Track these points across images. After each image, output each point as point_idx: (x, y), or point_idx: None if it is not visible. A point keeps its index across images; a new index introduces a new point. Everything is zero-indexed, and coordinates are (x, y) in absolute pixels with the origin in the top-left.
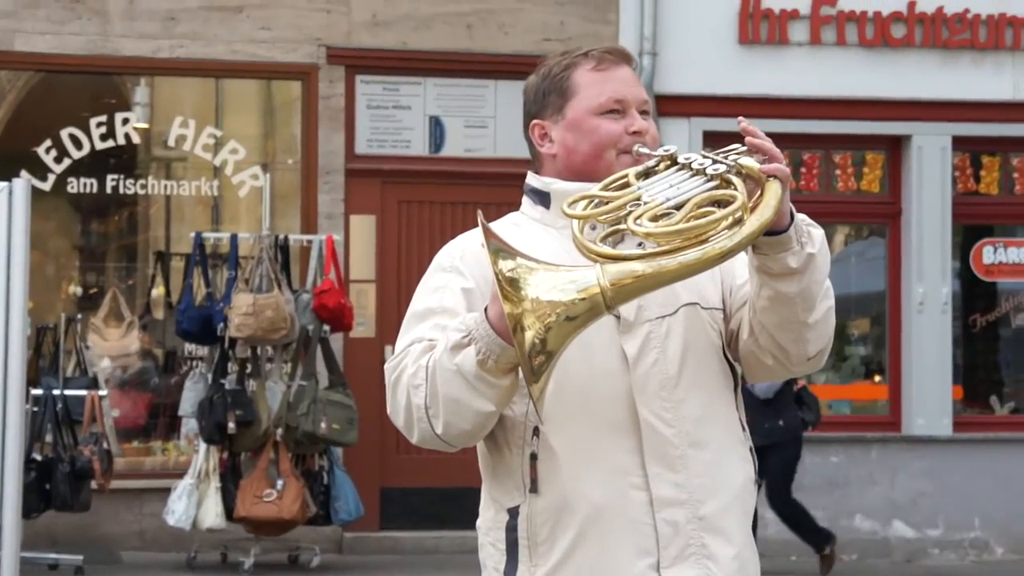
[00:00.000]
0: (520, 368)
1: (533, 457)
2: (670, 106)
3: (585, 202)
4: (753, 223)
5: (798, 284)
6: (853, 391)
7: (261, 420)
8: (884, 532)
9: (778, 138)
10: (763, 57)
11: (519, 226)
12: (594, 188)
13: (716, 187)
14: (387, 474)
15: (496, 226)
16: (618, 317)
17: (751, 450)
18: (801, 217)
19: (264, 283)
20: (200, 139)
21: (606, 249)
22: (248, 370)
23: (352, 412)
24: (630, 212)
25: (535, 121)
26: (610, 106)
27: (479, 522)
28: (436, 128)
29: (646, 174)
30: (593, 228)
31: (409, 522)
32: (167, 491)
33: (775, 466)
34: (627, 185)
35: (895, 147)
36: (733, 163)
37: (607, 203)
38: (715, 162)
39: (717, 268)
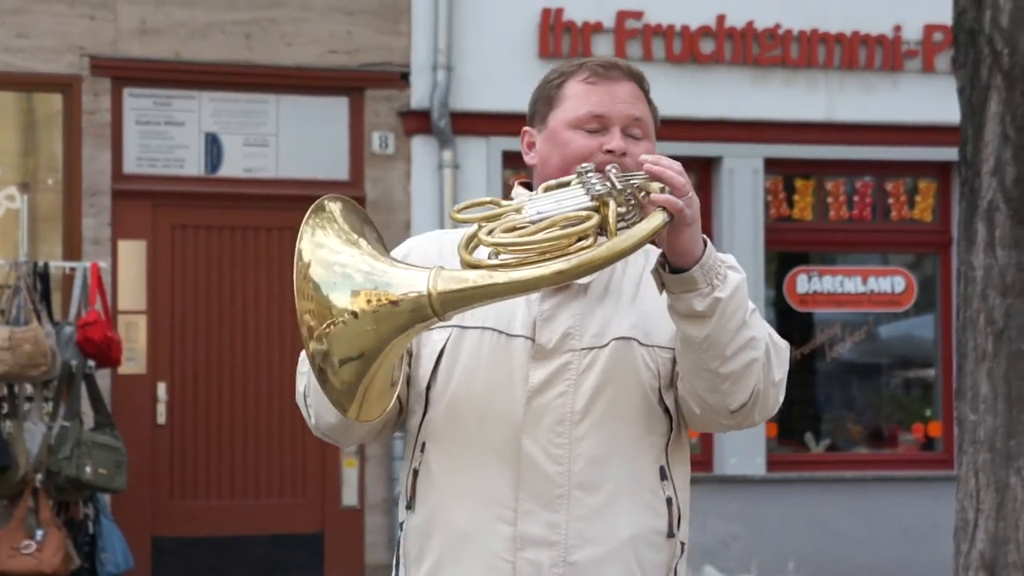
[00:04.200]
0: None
1: (415, 473)
2: (467, 124)
3: (475, 209)
4: (602, 251)
5: (704, 329)
6: None
7: (19, 464)
8: None
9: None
10: None
11: None
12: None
13: (589, 207)
14: (159, 522)
15: (456, 231)
16: (533, 341)
17: (670, 502)
18: (724, 258)
19: (22, 315)
20: None
21: (469, 256)
22: (4, 410)
23: (120, 455)
24: (494, 224)
25: (524, 128)
26: (587, 120)
27: None
28: (212, 146)
29: (558, 188)
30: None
31: (184, 574)
32: None
33: None
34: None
35: (705, 169)
36: (623, 185)
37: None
38: (607, 182)
39: None
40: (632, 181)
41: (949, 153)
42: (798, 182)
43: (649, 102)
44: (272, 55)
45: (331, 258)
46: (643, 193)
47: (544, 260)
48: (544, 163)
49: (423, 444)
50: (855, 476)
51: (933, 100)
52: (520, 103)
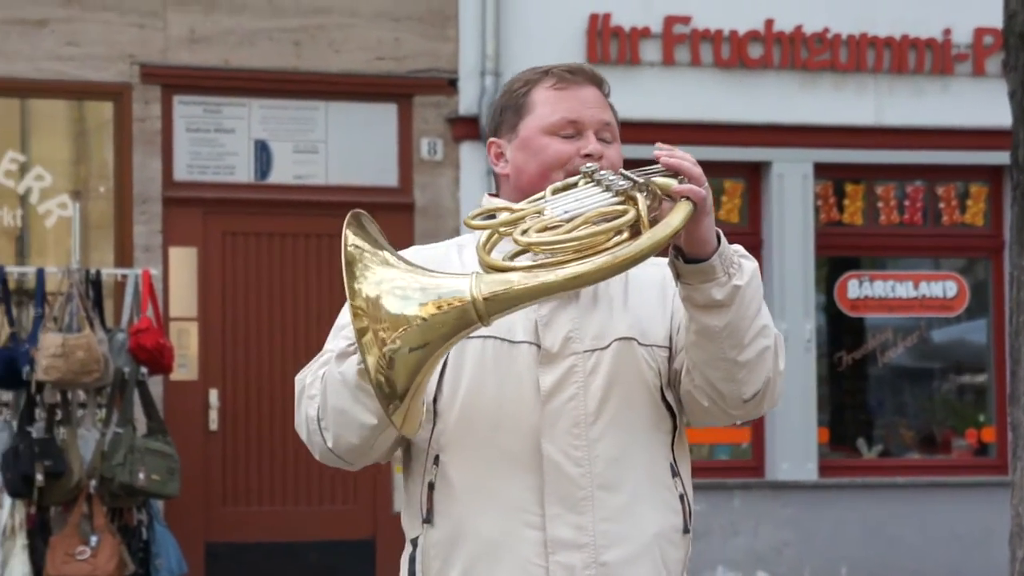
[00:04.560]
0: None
1: (431, 486)
2: None
3: (489, 215)
4: (643, 242)
5: (724, 318)
6: (713, 434)
7: (73, 471)
8: None
9: (629, 164)
10: (613, 78)
11: (464, 247)
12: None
13: (617, 203)
14: (213, 528)
15: (435, 246)
16: (539, 347)
17: (683, 498)
18: (734, 248)
19: (75, 322)
20: (2, 165)
21: (495, 260)
22: (58, 417)
23: (173, 461)
24: (525, 224)
25: (491, 139)
26: (563, 126)
27: None
28: (262, 153)
29: (564, 190)
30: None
31: None
32: None
33: None
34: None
35: (754, 174)
36: (643, 180)
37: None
38: (626, 178)
39: (669, 303)
40: (651, 175)
41: (1001, 157)
42: (848, 187)
43: (610, 106)
44: (320, 62)
45: (390, 286)
46: (652, 186)
47: (580, 257)
48: (519, 171)
49: (436, 457)
50: (908, 482)
51: (984, 104)
52: None
